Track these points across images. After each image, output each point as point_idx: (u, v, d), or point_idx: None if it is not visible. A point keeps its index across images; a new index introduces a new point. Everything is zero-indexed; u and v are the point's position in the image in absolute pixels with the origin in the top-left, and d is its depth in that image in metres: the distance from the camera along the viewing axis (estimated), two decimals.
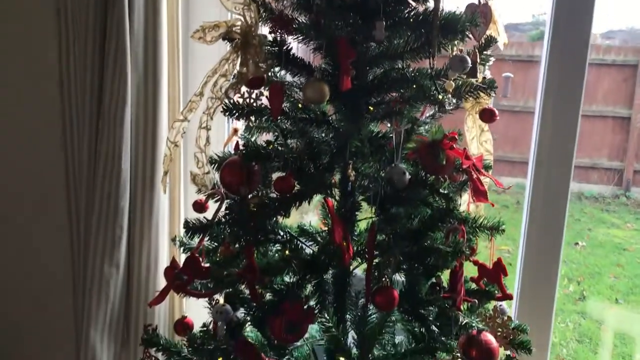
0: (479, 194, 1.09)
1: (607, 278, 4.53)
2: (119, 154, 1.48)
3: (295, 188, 1.10)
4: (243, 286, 1.21)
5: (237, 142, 1.27)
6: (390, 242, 1.05)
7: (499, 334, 1.24)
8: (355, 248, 1.11)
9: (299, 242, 1.17)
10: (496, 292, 1.22)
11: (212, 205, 1.28)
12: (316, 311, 1.09)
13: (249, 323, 1.23)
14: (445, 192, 1.07)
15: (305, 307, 1.08)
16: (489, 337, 1.16)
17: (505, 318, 1.26)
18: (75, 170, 1.59)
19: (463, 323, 1.10)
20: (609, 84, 5.15)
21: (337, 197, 1.16)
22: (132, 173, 1.53)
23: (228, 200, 1.23)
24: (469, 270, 1.25)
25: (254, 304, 1.18)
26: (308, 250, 1.17)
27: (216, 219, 1.24)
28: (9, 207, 1.92)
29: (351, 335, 1.20)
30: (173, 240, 1.46)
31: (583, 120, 1.72)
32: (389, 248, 1.04)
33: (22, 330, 1.97)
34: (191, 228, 1.26)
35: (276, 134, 1.22)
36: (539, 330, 1.82)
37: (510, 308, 1.86)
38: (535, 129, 1.74)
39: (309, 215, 1.52)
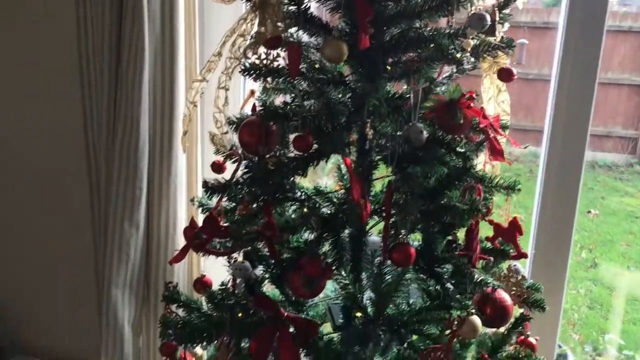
0: (496, 153, 1.10)
1: (619, 246, 4.53)
2: (137, 117, 1.50)
3: (313, 148, 1.11)
4: (261, 244, 1.23)
5: (254, 104, 1.29)
6: (407, 200, 1.06)
7: (513, 292, 1.26)
8: (372, 207, 1.13)
9: (316, 200, 1.18)
10: (511, 251, 1.24)
11: (230, 167, 1.30)
12: (333, 268, 1.11)
13: (268, 280, 1.26)
14: (462, 150, 1.07)
15: (323, 263, 1.10)
16: (503, 294, 1.18)
17: (520, 277, 1.28)
18: (95, 133, 1.61)
19: (478, 280, 1.12)
20: (625, 50, 5.07)
21: (354, 157, 1.17)
22: (150, 135, 1.55)
23: (246, 161, 1.24)
24: (484, 231, 1.26)
25: (273, 261, 1.21)
26: (325, 210, 1.19)
27: (234, 180, 1.26)
28: (30, 172, 1.96)
29: (367, 295, 1.22)
30: (192, 200, 1.49)
31: (598, 87, 1.71)
32: (406, 206, 1.06)
33: (45, 290, 2.02)
34: (210, 188, 1.28)
35: (293, 95, 1.23)
36: (551, 295, 1.84)
37: (525, 268, 1.88)
38: (551, 97, 1.74)
39: (324, 180, 1.53)
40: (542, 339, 1.36)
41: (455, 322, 1.07)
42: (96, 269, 1.70)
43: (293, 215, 1.19)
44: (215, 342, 1.24)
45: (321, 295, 1.40)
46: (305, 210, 1.13)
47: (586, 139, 1.74)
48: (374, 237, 1.27)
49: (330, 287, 1.46)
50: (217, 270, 1.38)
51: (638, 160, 5.69)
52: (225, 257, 1.30)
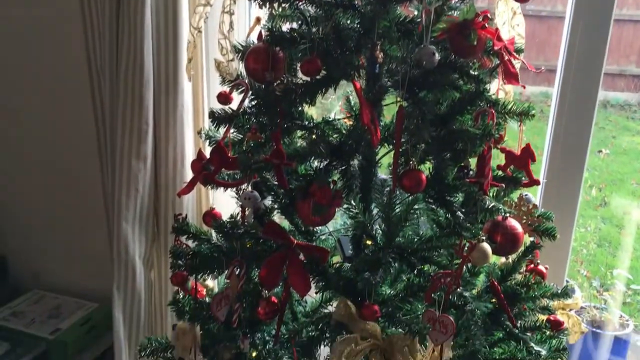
0: (510, 76, 1.06)
1: (629, 184, 4.51)
2: (140, 48, 1.46)
3: (321, 73, 1.08)
4: (270, 174, 1.22)
5: (260, 31, 1.25)
6: (418, 125, 1.03)
7: (524, 221, 1.25)
8: (382, 134, 1.11)
9: (324, 129, 1.16)
10: (523, 178, 1.22)
11: (237, 98, 1.27)
12: (343, 196, 1.10)
13: (277, 210, 1.25)
14: (476, 73, 1.04)
15: (333, 190, 1.09)
16: (514, 223, 1.17)
17: (531, 206, 1.27)
18: (99, 67, 1.58)
19: (489, 207, 1.11)
20: None
21: (363, 83, 1.14)
22: (154, 67, 1.52)
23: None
24: (496, 161, 1.24)
25: (282, 191, 1.20)
26: (334, 138, 1.17)
27: (241, 110, 1.24)
28: (37, 107, 1.94)
29: (377, 224, 1.21)
30: (199, 133, 1.47)
31: (612, 24, 1.66)
32: (417, 130, 1.03)
33: (57, 227, 2.04)
34: (217, 118, 1.25)
35: (300, 22, 1.19)
36: (560, 232, 1.85)
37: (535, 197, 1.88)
38: (565, 35, 1.68)
39: (332, 115, 1.51)
40: (551, 273, 1.36)
41: (466, 248, 1.06)
42: (105, 205, 1.71)
43: (301, 144, 1.17)
44: (226, 272, 1.24)
45: (331, 228, 1.41)
46: (313, 137, 1.10)
47: (600, 78, 1.70)
48: (382, 175, 1.25)
49: (339, 221, 1.46)
50: (226, 204, 1.38)
51: None
52: (234, 189, 1.30)
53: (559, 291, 1.25)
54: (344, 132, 1.25)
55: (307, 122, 1.18)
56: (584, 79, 1.70)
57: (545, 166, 1.81)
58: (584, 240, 3.81)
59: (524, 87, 1.09)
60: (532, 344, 1.18)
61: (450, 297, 1.10)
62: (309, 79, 1.09)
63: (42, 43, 1.86)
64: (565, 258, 1.93)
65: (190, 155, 1.62)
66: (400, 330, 1.11)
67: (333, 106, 1.49)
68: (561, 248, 1.88)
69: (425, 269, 1.18)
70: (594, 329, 2.88)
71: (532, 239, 1.29)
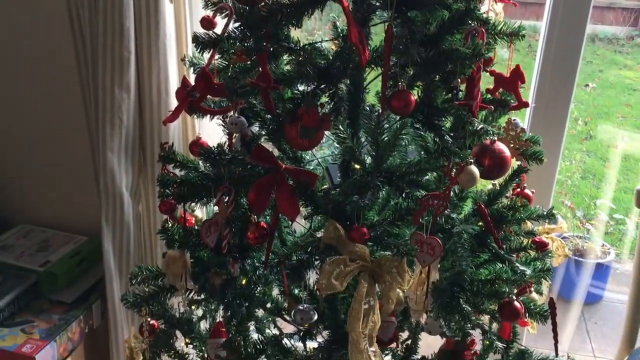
0: None
1: (615, 118, 4.53)
2: None
3: None
4: (257, 100, 1.20)
5: None
6: (407, 45, 1.01)
7: (511, 145, 1.25)
8: (371, 55, 1.08)
9: (311, 52, 1.14)
10: (512, 101, 1.21)
11: (220, 22, 1.24)
12: (331, 118, 1.09)
13: (264, 137, 1.24)
14: None
15: (320, 113, 1.07)
16: (501, 146, 1.17)
17: (519, 130, 1.26)
18: None
19: (478, 128, 1.10)
20: None
21: (351, 2, 1.11)
22: None
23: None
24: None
25: (269, 117, 1.18)
26: (321, 60, 1.15)
27: (226, 34, 1.21)
28: (14, 39, 1.88)
29: (365, 150, 1.21)
30: (182, 60, 1.43)
31: None
32: (406, 50, 1.01)
33: (42, 159, 2.01)
34: (200, 43, 1.22)
35: None
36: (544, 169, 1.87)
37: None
38: None
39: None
40: (536, 201, 1.38)
41: (454, 170, 1.06)
42: (90, 136, 1.68)
43: (288, 67, 1.14)
44: (214, 199, 1.24)
45: (320, 159, 1.40)
46: (300, 58, 1.08)
47: (589, 11, 1.68)
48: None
49: (327, 152, 1.46)
50: (212, 134, 1.36)
51: (639, 33, 5.56)
52: (220, 117, 1.28)
53: (545, 213, 1.26)
54: (330, 57, 1.23)
55: (293, 45, 1.16)
56: (573, 12, 1.68)
57: (532, 101, 1.82)
58: (569, 172, 3.85)
59: (515, 5, 1.07)
60: (517, 264, 1.20)
61: (438, 219, 1.11)
62: None
63: None
64: (550, 186, 1.95)
65: (174, 84, 1.59)
66: (388, 253, 1.12)
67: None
68: (547, 175, 1.90)
69: (414, 193, 1.18)
70: (577, 257, 2.96)
71: (519, 163, 1.30)
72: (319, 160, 1.40)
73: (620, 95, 4.84)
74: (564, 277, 2.91)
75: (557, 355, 1.37)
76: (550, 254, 1.32)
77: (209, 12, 1.25)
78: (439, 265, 1.21)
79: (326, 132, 1.22)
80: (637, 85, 5.02)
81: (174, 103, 1.48)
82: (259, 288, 1.34)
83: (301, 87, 1.15)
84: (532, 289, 1.31)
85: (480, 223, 1.25)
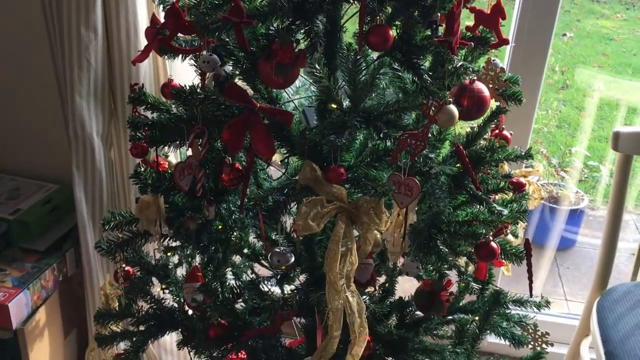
0: None
1: (592, 67, 4.54)
2: None
3: None
4: (230, 37, 1.16)
5: None
6: None
7: (490, 86, 1.23)
8: None
9: None
10: (492, 39, 1.19)
11: None
12: (307, 55, 1.05)
13: (238, 77, 1.20)
14: None
15: (296, 49, 1.04)
16: (480, 86, 1.14)
17: (498, 70, 1.24)
18: None
19: (457, 66, 1.08)
20: None
21: None
22: None
23: None
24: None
25: (242, 54, 1.14)
26: None
27: None
28: None
29: (342, 90, 1.18)
30: None
31: None
32: None
33: (9, 104, 1.94)
34: None
35: None
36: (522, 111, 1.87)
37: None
38: None
39: None
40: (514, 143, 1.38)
41: (432, 108, 1.04)
42: (57, 80, 1.62)
43: (262, 2, 1.10)
44: (187, 141, 1.21)
45: (296, 102, 1.37)
46: None
47: None
48: None
49: (303, 94, 1.42)
50: (184, 78, 1.32)
51: None
52: (192, 56, 1.24)
53: (523, 153, 1.26)
54: None
55: None
56: None
57: (510, 51, 1.80)
58: (545, 119, 3.87)
59: None
60: (495, 205, 1.20)
61: (416, 160, 1.09)
62: None
63: None
64: (528, 130, 1.96)
65: (143, 24, 1.53)
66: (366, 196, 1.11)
67: None
68: (524, 119, 1.90)
69: (392, 132, 1.16)
70: (551, 204, 3.01)
71: (498, 104, 1.28)
72: (295, 103, 1.36)
73: (597, 44, 4.83)
74: (538, 223, 2.95)
75: (531, 295, 1.39)
76: (527, 196, 1.32)
77: None
78: (416, 208, 1.21)
79: (302, 74, 1.19)
80: (614, 35, 5.02)
81: (143, 43, 1.42)
82: (235, 233, 1.32)
83: (275, 24, 1.11)
84: (509, 231, 1.32)
85: (458, 164, 1.24)
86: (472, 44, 1.14)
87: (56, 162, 1.90)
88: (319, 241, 1.32)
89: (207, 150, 1.17)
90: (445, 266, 1.27)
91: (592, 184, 3.49)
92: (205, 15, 1.10)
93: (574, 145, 3.69)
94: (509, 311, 1.44)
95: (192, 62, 1.23)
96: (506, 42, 1.16)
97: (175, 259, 1.50)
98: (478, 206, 1.22)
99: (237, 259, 1.51)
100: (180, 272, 1.50)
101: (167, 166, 1.37)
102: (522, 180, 1.34)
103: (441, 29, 1.10)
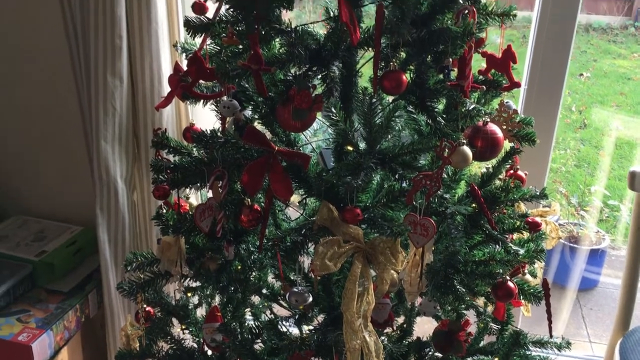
0: None
1: (610, 107, 4.54)
2: None
3: None
4: (249, 83, 1.20)
5: None
6: (398, 24, 1.01)
7: (504, 127, 1.25)
8: (362, 36, 1.08)
9: (303, 32, 1.14)
10: (504, 82, 1.22)
11: (212, 8, 1.24)
12: (324, 100, 1.09)
13: (257, 121, 1.24)
14: None
15: (313, 94, 1.07)
16: (494, 127, 1.17)
17: (511, 111, 1.27)
18: None
19: (470, 108, 1.10)
20: None
21: None
22: None
23: None
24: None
25: (261, 99, 1.18)
26: (312, 43, 1.14)
27: (217, 17, 1.20)
28: (7, 28, 1.87)
29: (358, 134, 1.21)
30: (174, 46, 1.43)
31: None
32: (397, 29, 1.01)
33: (36, 149, 2.01)
34: (192, 27, 1.22)
35: None
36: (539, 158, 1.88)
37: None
38: None
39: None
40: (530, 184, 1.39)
41: (446, 150, 1.07)
42: (84, 125, 1.68)
43: (280, 49, 1.14)
44: (208, 183, 1.24)
45: (314, 145, 1.40)
46: (291, 39, 1.08)
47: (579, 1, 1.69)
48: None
49: (320, 136, 1.46)
50: (205, 122, 1.36)
51: (633, 22, 5.58)
52: (213, 101, 1.28)
53: (538, 193, 1.27)
54: (321, 40, 1.23)
55: (284, 27, 1.16)
56: (563, 1, 1.69)
57: (524, 90, 1.83)
58: (563, 159, 3.86)
59: None
60: (511, 245, 1.20)
61: (431, 200, 1.11)
62: None
63: None
64: (544, 170, 1.96)
65: (167, 71, 1.59)
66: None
67: None
68: (541, 159, 1.91)
69: (407, 175, 1.18)
70: (572, 244, 2.97)
71: (512, 144, 1.30)
72: (313, 145, 1.40)
73: (614, 84, 4.84)
74: (559, 263, 2.92)
75: (551, 336, 1.38)
76: (543, 235, 1.32)
77: None
78: (432, 247, 1.22)
79: (319, 117, 1.23)
80: (631, 74, 5.04)
81: (166, 90, 1.47)
82: (254, 273, 1.34)
83: (293, 70, 1.15)
84: (526, 270, 1.32)
85: (473, 204, 1.25)
86: (484, 87, 1.16)
87: (80, 204, 1.95)
88: (336, 281, 1.33)
89: (227, 192, 1.20)
90: (463, 306, 1.27)
91: (613, 223, 3.45)
92: (226, 62, 1.15)
93: (594, 184, 3.67)
94: (529, 352, 1.42)
95: (213, 107, 1.28)
96: (518, 85, 1.19)
97: (195, 299, 1.52)
98: (494, 246, 1.23)
99: (255, 299, 1.53)
100: (200, 312, 1.51)
101: (187, 208, 1.41)
102: (539, 219, 1.34)
103: (454, 73, 1.14)
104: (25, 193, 2.06)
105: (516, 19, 1.15)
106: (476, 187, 1.24)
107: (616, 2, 5.44)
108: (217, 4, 1.21)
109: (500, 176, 1.32)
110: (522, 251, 1.19)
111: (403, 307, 1.39)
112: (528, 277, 1.38)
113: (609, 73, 5.00)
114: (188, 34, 1.24)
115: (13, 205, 2.07)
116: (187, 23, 1.23)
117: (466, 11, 1.06)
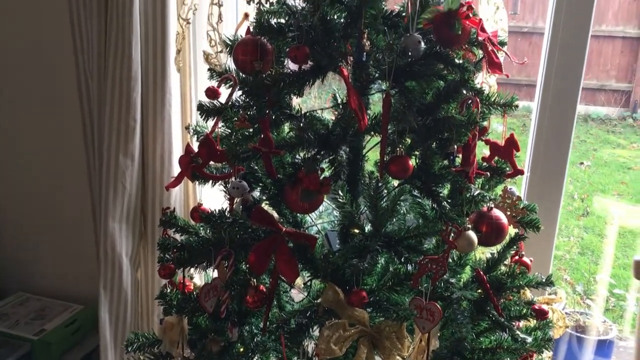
0: (494, 66, 1.09)
1: (611, 195, 4.58)
2: (129, 41, 1.47)
3: (309, 63, 1.10)
4: (258, 165, 1.23)
5: (248, 27, 1.26)
6: (404, 112, 1.05)
7: (508, 213, 1.27)
8: (369, 122, 1.12)
9: (312, 117, 1.18)
10: (507, 169, 1.24)
11: (225, 93, 1.29)
12: (331, 183, 1.11)
13: (265, 202, 1.26)
14: (460, 62, 1.07)
15: (321, 177, 1.10)
16: (498, 213, 1.19)
17: (515, 198, 1.29)
18: (86, 62, 1.59)
19: (475, 194, 1.12)
20: (620, 2, 5.04)
21: (351, 72, 1.15)
22: (142, 61, 1.53)
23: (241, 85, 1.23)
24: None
25: (270, 182, 1.21)
26: (321, 128, 1.18)
27: (230, 103, 1.25)
28: (24, 106, 1.94)
29: (364, 216, 1.23)
30: (187, 128, 1.47)
31: (592, 40, 1.71)
32: (404, 117, 1.05)
33: (43, 225, 2.02)
34: (205, 110, 1.26)
35: (287, 16, 1.21)
36: (542, 249, 1.89)
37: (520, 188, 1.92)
38: (544, 49, 1.74)
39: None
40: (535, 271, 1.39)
41: (452, 234, 1.08)
42: (92, 203, 1.70)
43: (290, 133, 1.18)
44: (214, 264, 1.24)
45: (319, 226, 1.42)
46: (302, 124, 1.12)
47: (579, 91, 1.76)
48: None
49: (326, 218, 1.47)
50: (214, 202, 1.38)
51: (631, 113, 5.71)
52: (222, 182, 1.30)
53: (544, 280, 1.27)
54: (330, 126, 1.27)
55: (294, 112, 1.20)
56: (563, 92, 1.75)
57: (527, 178, 1.87)
58: (567, 247, 3.85)
59: (507, 76, 1.12)
60: (518, 332, 1.19)
61: (437, 284, 1.11)
62: (296, 69, 1.11)
63: (26, 41, 1.86)
64: (549, 257, 1.96)
65: (177, 153, 1.63)
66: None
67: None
68: (545, 246, 1.91)
69: (413, 259, 1.19)
70: (579, 334, 2.91)
71: (516, 230, 1.31)
72: (319, 227, 1.41)
73: (615, 173, 4.90)
74: (567, 353, 2.84)
75: None
76: (550, 323, 1.31)
77: (213, 83, 1.30)
78: (438, 333, 1.20)
79: (326, 199, 1.25)
80: (631, 164, 5.10)
81: (176, 170, 1.50)
82: (256, 356, 1.31)
83: (302, 154, 1.18)
84: None
85: (479, 290, 1.25)
86: (488, 173, 1.19)
87: (83, 282, 1.94)
88: None
89: (233, 272, 1.20)
90: None
91: (620, 312, 3.39)
92: (237, 145, 1.18)
93: (598, 272, 3.63)
94: None
95: (222, 187, 1.30)
96: (521, 172, 1.22)
97: None
98: (502, 333, 1.22)
99: None
100: None
101: (192, 287, 1.40)
102: (545, 307, 1.33)
103: (458, 159, 1.17)
104: (28, 270, 2.06)
105: (516, 99, 1.19)
106: (482, 273, 1.24)
107: (613, 94, 5.60)
108: (229, 90, 1.25)
109: (505, 262, 1.32)
110: (529, 339, 1.18)
111: None
112: None
113: (609, 162, 5.08)
114: (201, 117, 1.28)
115: (15, 282, 2.06)
116: (201, 107, 1.27)
117: (470, 101, 1.10)
